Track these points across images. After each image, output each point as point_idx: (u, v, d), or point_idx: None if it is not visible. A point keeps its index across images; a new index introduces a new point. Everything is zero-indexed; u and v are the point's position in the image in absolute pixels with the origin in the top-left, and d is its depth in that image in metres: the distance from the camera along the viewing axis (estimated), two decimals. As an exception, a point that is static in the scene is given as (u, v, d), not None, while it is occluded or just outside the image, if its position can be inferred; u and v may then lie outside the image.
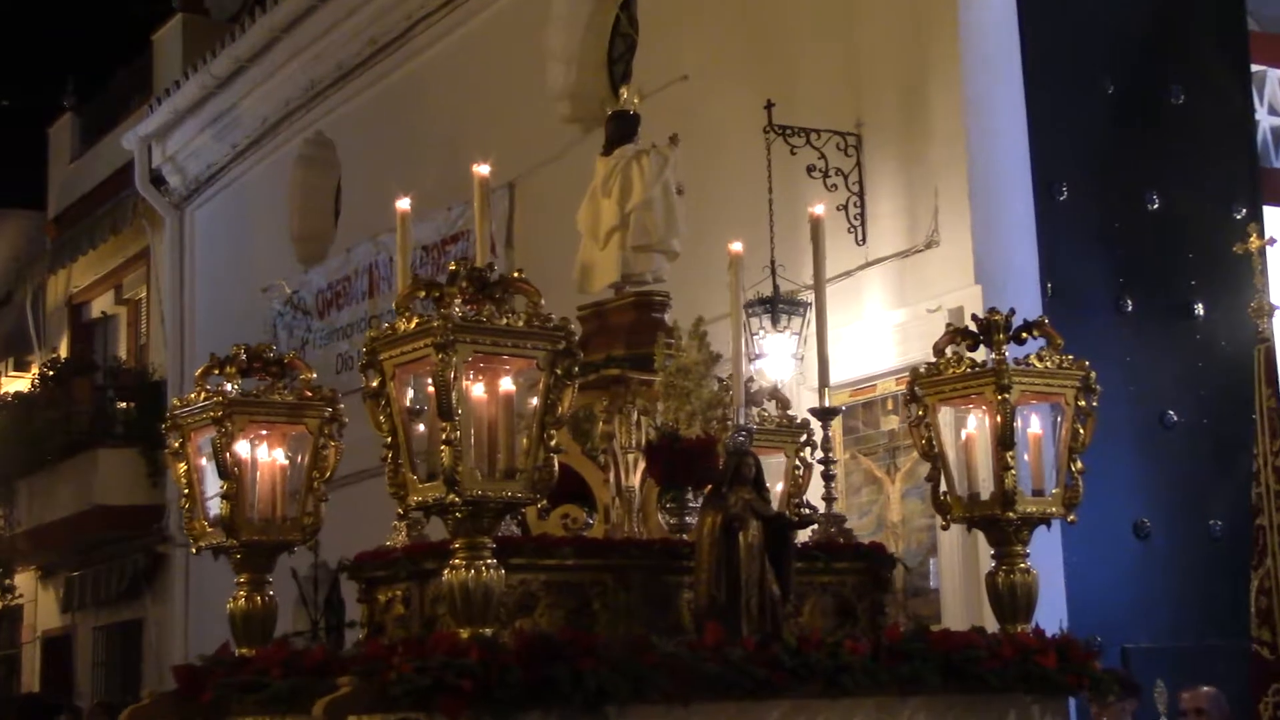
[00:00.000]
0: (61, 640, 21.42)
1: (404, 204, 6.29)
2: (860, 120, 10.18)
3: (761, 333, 9.68)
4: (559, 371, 5.15)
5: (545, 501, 5.49)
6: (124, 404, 19.39)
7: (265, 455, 6.12)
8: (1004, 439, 5.94)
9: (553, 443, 5.17)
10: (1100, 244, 9.74)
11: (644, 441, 6.35)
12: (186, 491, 6.22)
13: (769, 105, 10.05)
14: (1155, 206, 9.93)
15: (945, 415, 6.20)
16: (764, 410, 6.75)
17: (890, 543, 9.06)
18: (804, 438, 6.82)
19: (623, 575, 5.82)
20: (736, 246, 6.40)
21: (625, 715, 5.18)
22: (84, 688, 20.22)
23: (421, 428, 5.21)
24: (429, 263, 13.76)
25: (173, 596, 18.41)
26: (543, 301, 5.15)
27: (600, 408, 6.44)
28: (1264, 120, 10.77)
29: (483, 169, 6.08)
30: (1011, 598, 6.09)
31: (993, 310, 6.13)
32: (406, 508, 5.41)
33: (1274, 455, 8.28)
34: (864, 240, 10.06)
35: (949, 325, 6.51)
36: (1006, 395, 5.93)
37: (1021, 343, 6.13)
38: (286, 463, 6.15)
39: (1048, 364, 6.06)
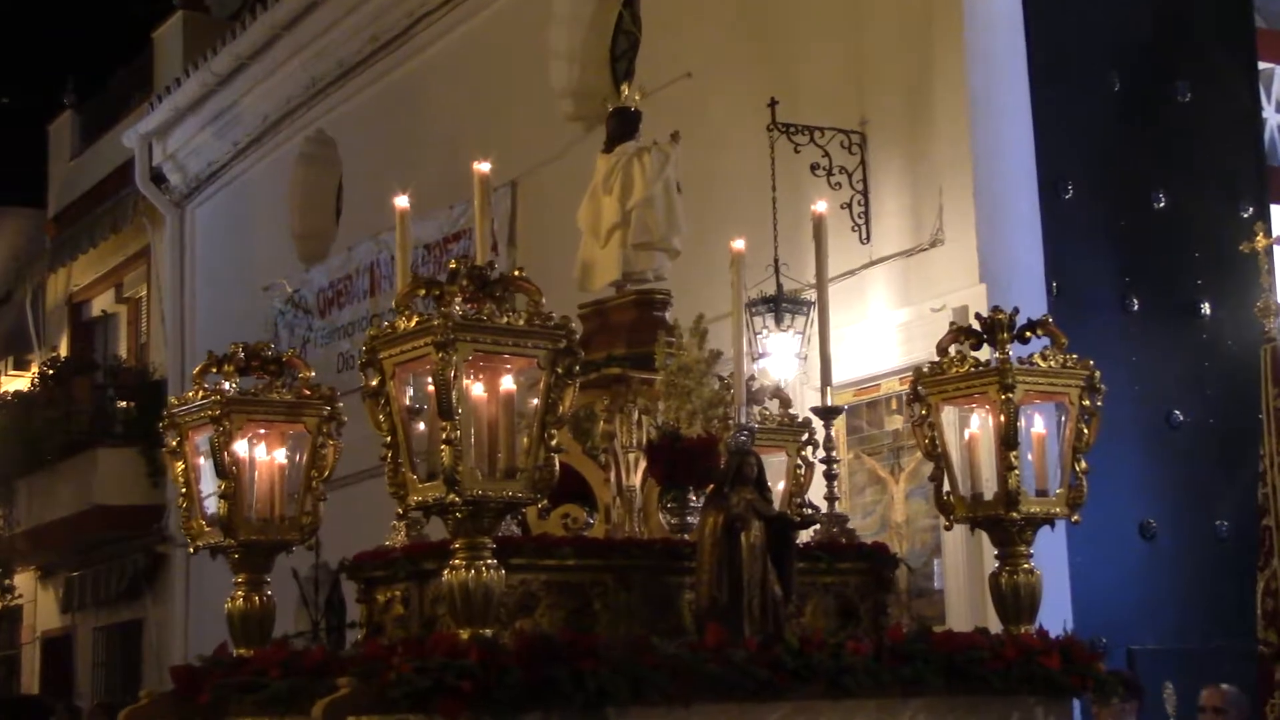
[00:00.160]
0: (61, 641, 21.41)
1: (403, 201, 6.25)
2: (864, 118, 10.15)
3: (765, 332, 9.66)
4: (560, 370, 5.12)
5: (546, 501, 5.45)
6: (124, 403, 19.38)
7: (263, 454, 6.08)
8: (1008, 439, 5.90)
9: (553, 442, 5.14)
10: (1106, 242, 9.71)
11: (645, 441, 6.32)
12: (184, 491, 6.18)
13: (773, 103, 10.02)
14: (1161, 205, 9.90)
15: (949, 415, 6.16)
16: (765, 409, 6.71)
17: (894, 543, 9.02)
18: (805, 437, 6.78)
19: (624, 576, 5.79)
20: (739, 244, 6.36)
21: (626, 716, 5.15)
22: (84, 688, 20.21)
23: (421, 427, 5.17)
24: (430, 261, 13.74)
25: (173, 597, 18.39)
26: (544, 300, 5.11)
27: (601, 407, 6.41)
28: (1271, 118, 10.74)
29: (483, 166, 6.05)
30: (1015, 598, 6.05)
31: (996, 309, 6.09)
32: (406, 507, 5.37)
33: (1280, 455, 8.25)
34: (868, 239, 10.03)
35: (953, 324, 6.47)
36: (1010, 395, 5.89)
37: (1025, 342, 6.09)
38: (285, 462, 6.11)
39: (1052, 363, 6.02)
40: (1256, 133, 10.46)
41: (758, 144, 10.14)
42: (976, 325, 6.13)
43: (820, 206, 6.72)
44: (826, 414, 6.49)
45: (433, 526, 5.82)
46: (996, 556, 6.15)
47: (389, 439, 5.19)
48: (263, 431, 6.08)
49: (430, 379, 5.01)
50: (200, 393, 6.03)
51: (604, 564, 5.77)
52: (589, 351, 6.00)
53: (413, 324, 5.06)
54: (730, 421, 6.06)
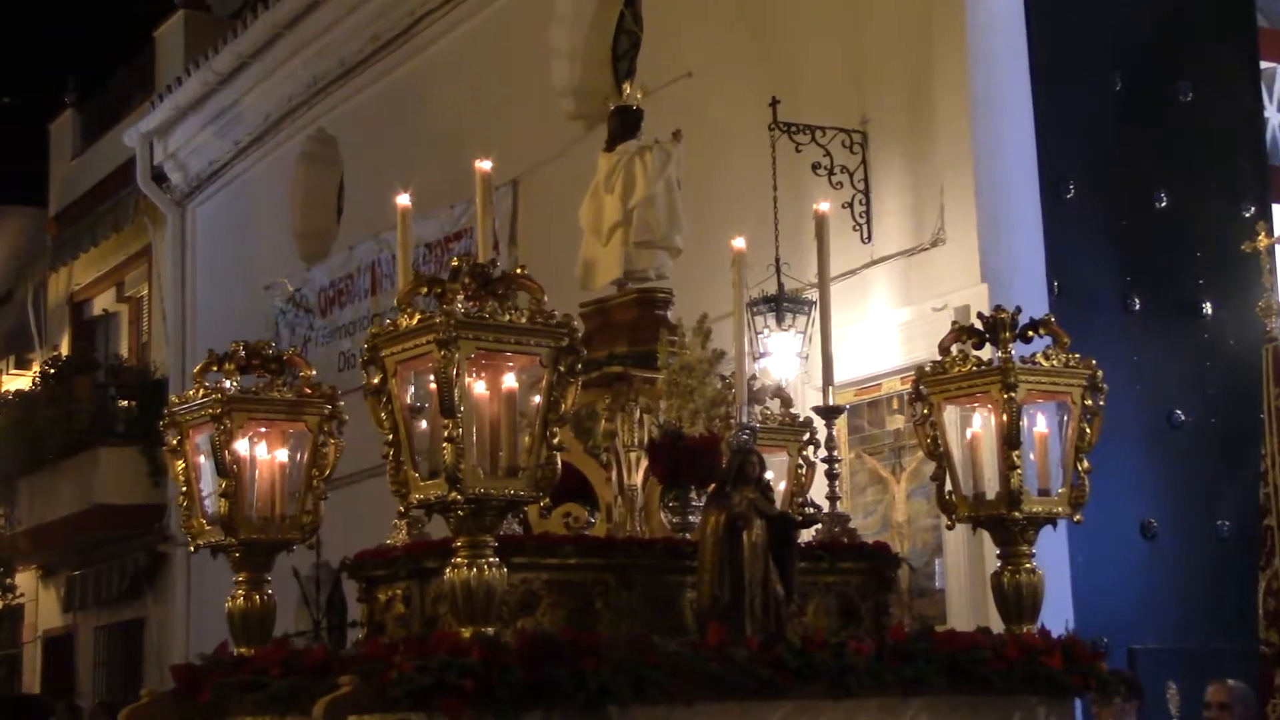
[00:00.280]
0: (62, 640, 21.41)
1: (404, 199, 6.24)
2: (865, 117, 10.15)
3: (766, 331, 9.65)
4: (562, 368, 5.11)
5: (547, 500, 5.44)
6: (125, 402, 19.37)
7: (264, 453, 6.07)
8: (1010, 438, 5.88)
9: (555, 440, 5.13)
10: (1107, 242, 9.70)
11: (647, 439, 6.31)
12: (185, 489, 6.17)
13: (774, 102, 10.01)
14: (1163, 205, 9.89)
15: (951, 414, 6.15)
16: (767, 409, 6.70)
17: (895, 543, 9.02)
18: (807, 436, 6.77)
19: (625, 575, 5.78)
20: (739, 243, 6.35)
21: (627, 715, 5.14)
22: (85, 687, 20.20)
23: (423, 425, 5.16)
24: (432, 260, 13.73)
25: (174, 596, 18.38)
26: (546, 298, 5.10)
27: (603, 405, 6.40)
28: (1273, 118, 10.73)
29: (485, 164, 6.04)
30: (1017, 598, 6.04)
31: (998, 308, 6.08)
32: (408, 505, 5.36)
33: (1283, 455, 8.25)
34: (869, 238, 10.02)
35: (955, 323, 6.46)
36: (1013, 394, 5.88)
37: (1028, 341, 6.08)
38: (286, 460, 6.10)
39: (1054, 362, 6.01)
40: (1258, 132, 10.45)
41: (759, 143, 10.13)
42: (979, 324, 6.12)
43: (823, 206, 6.71)
44: (828, 413, 6.49)
45: (434, 526, 5.82)
46: (999, 556, 6.14)
47: (391, 437, 5.18)
48: (263, 430, 6.07)
49: (432, 377, 5.01)
50: (201, 391, 6.02)
51: (606, 563, 5.77)
52: (590, 350, 5.99)
53: (415, 322, 5.05)
54: (732, 421, 6.05)
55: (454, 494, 4.99)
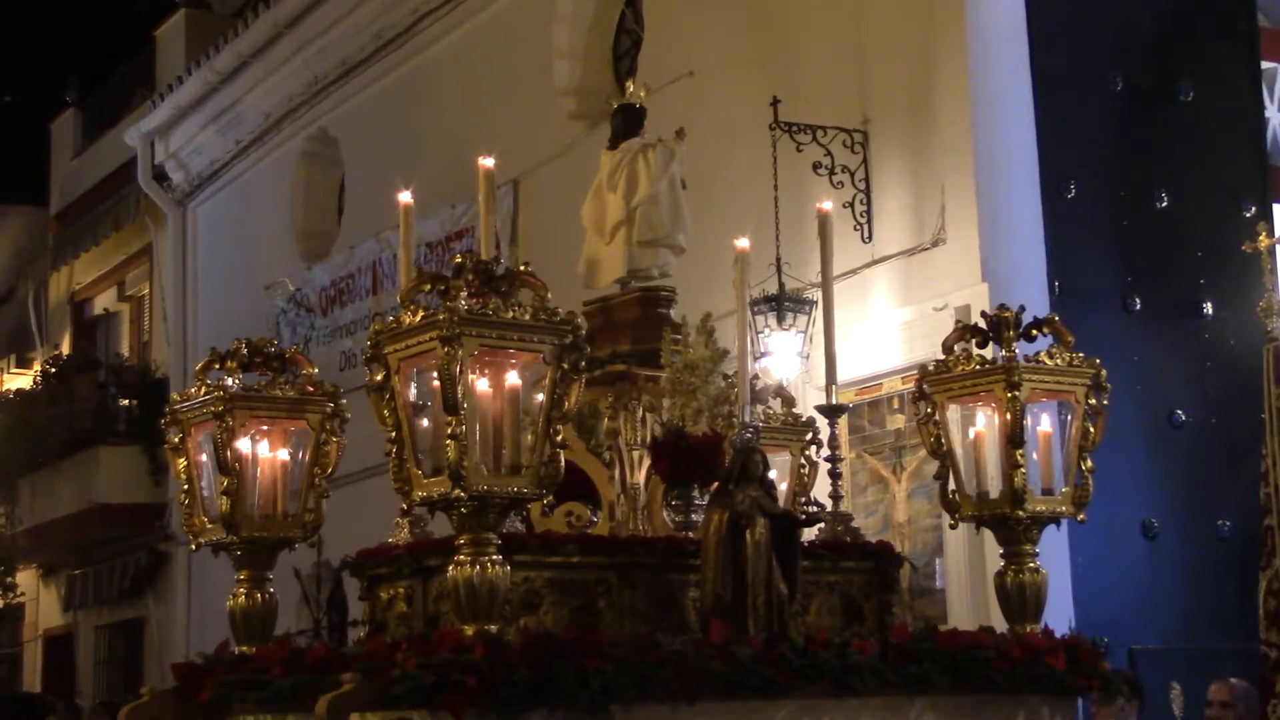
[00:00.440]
0: (63, 639, 21.39)
1: (405, 196, 6.23)
2: (866, 117, 10.15)
3: (767, 331, 9.64)
4: (565, 366, 5.10)
5: (550, 498, 5.44)
6: (126, 401, 19.35)
7: (266, 451, 6.07)
8: (1014, 437, 5.87)
9: (558, 438, 5.12)
10: (1108, 242, 9.70)
11: (649, 438, 6.30)
12: (186, 487, 6.16)
13: (775, 102, 10.02)
14: (1164, 204, 9.89)
15: (954, 413, 6.14)
16: (769, 408, 6.70)
17: (896, 542, 9.01)
18: (809, 436, 6.77)
19: (628, 573, 5.77)
20: (743, 243, 6.35)
21: (630, 714, 5.14)
22: (86, 687, 20.18)
23: (426, 422, 5.15)
24: (432, 259, 13.73)
25: (175, 595, 18.38)
26: (549, 295, 5.10)
27: (605, 404, 6.39)
28: (1274, 118, 10.71)
29: (488, 161, 6.04)
30: (1020, 598, 6.02)
31: (1002, 307, 6.07)
32: (411, 503, 5.36)
33: (1283, 455, 8.25)
34: (870, 238, 10.02)
35: (958, 322, 6.45)
36: (1017, 393, 5.87)
37: (1031, 340, 6.07)
38: (287, 459, 6.10)
39: (1058, 361, 6.00)
40: (1259, 132, 10.45)
41: (760, 143, 10.13)
42: (982, 323, 6.11)
43: (826, 205, 6.71)
44: (831, 412, 6.47)
45: (434, 525, 5.82)
46: (1002, 555, 6.12)
47: (394, 434, 5.17)
48: (265, 428, 6.06)
49: (435, 374, 5.00)
50: (203, 389, 6.01)
51: (608, 561, 5.76)
52: (593, 348, 5.97)
53: (418, 318, 5.04)
54: (735, 419, 6.05)
55: (457, 491, 4.98)
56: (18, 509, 20.46)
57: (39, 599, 22.26)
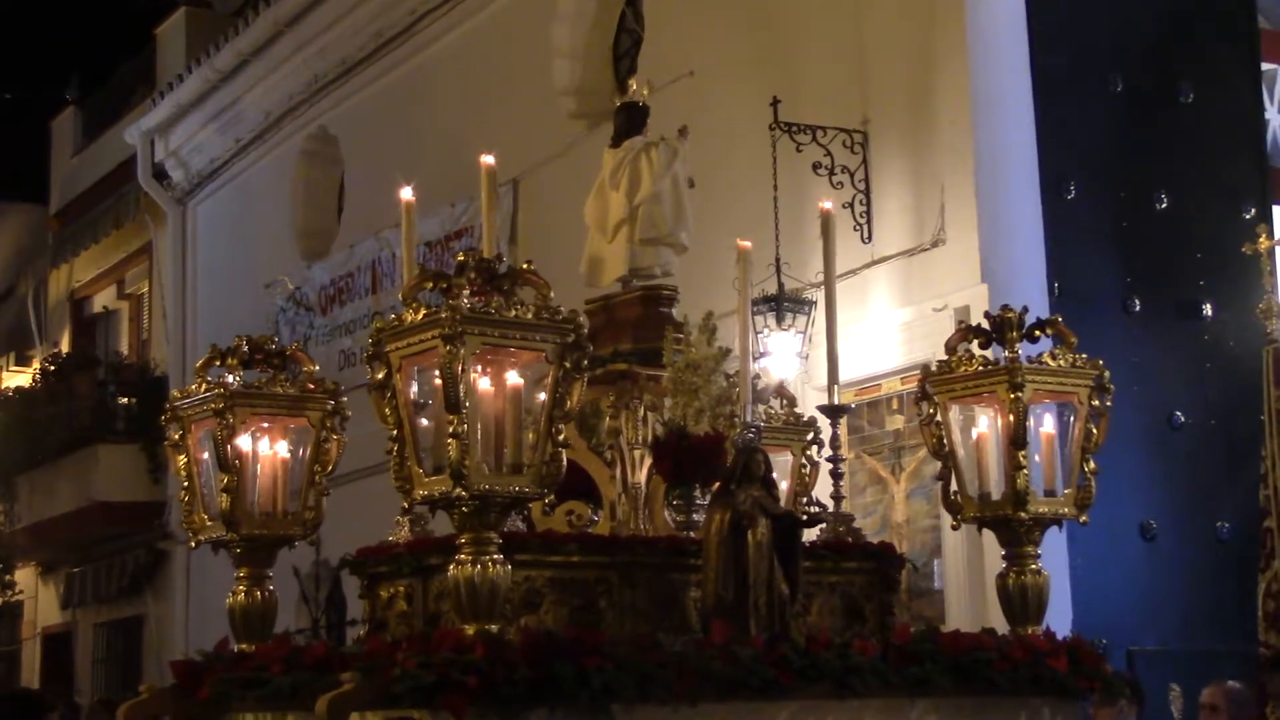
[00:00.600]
0: (62, 637, 21.39)
1: (407, 193, 6.22)
2: (866, 117, 10.15)
3: (766, 331, 9.64)
4: (568, 365, 5.09)
5: (551, 497, 5.43)
6: (125, 400, 19.34)
7: (266, 448, 6.06)
8: (1017, 438, 5.86)
9: (560, 437, 5.11)
10: (1108, 243, 9.71)
11: (651, 437, 6.29)
12: (186, 484, 6.15)
13: (775, 102, 10.02)
14: (1164, 206, 9.89)
15: (956, 414, 6.12)
16: (770, 408, 6.69)
17: (895, 543, 8.96)
18: (810, 436, 6.76)
19: (629, 573, 5.76)
20: (745, 242, 6.35)
21: (631, 714, 5.12)
22: (84, 684, 20.18)
23: (427, 421, 5.14)
24: (432, 258, 13.72)
25: (174, 593, 18.38)
26: (552, 294, 5.09)
27: (607, 403, 6.38)
28: (1274, 119, 10.71)
29: (489, 159, 6.03)
30: (1022, 599, 6.00)
31: (1005, 308, 6.06)
32: (412, 502, 5.35)
33: (1283, 456, 8.25)
34: (870, 238, 10.02)
35: (960, 323, 6.44)
36: (1020, 394, 5.85)
37: (1035, 341, 6.06)
38: (288, 456, 6.09)
39: (1061, 362, 5.98)
40: (1259, 134, 10.45)
41: (760, 143, 10.13)
42: (985, 324, 6.10)
43: (827, 204, 6.70)
44: (833, 412, 6.45)
45: (435, 523, 5.81)
46: (1004, 557, 6.11)
47: (395, 432, 5.16)
48: (266, 425, 6.05)
49: (437, 372, 4.99)
50: (204, 386, 6.00)
51: (609, 561, 5.75)
52: (595, 347, 5.96)
53: (420, 316, 5.03)
54: (737, 419, 6.04)
55: (458, 490, 4.97)
56: (17, 506, 20.46)
57: (38, 597, 22.25)
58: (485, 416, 5.04)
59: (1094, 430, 6.02)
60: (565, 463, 5.17)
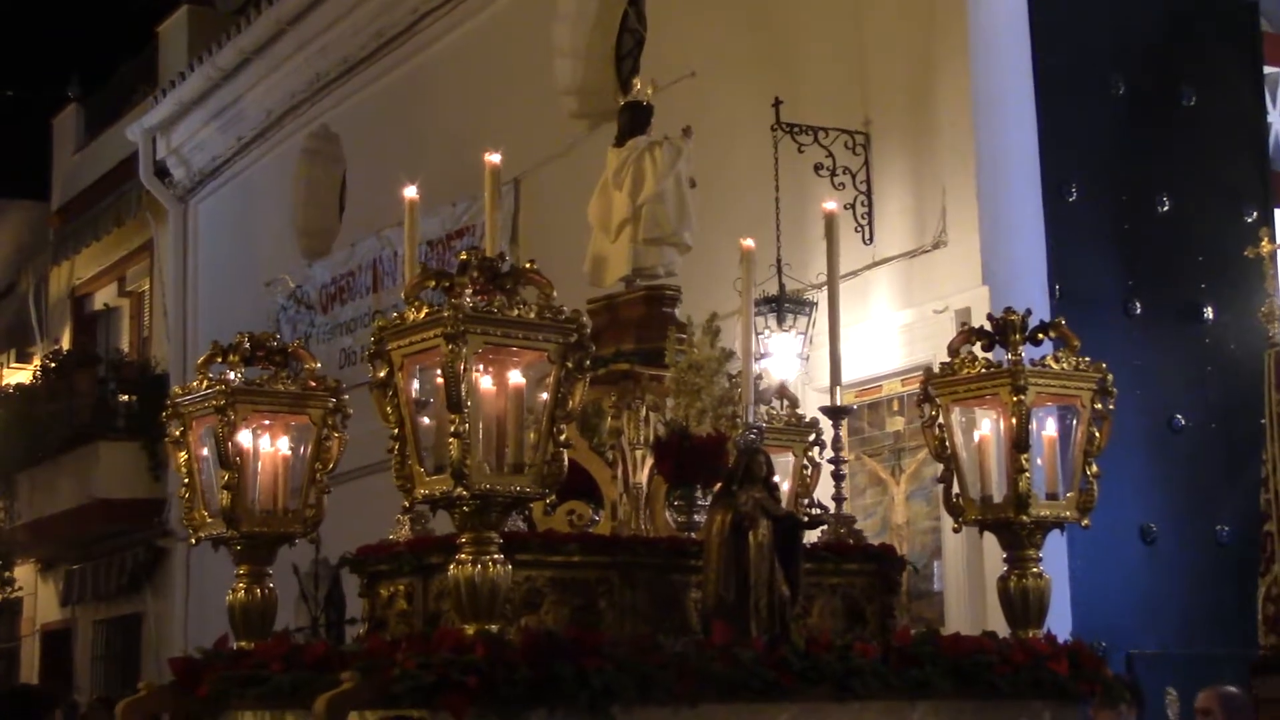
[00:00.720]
0: (61, 634, 21.39)
1: (411, 192, 6.22)
2: (868, 119, 10.14)
3: (767, 332, 9.63)
4: (570, 364, 5.08)
5: (553, 497, 5.43)
6: (126, 397, 19.35)
7: (267, 445, 6.05)
8: (1019, 441, 5.85)
9: (562, 437, 5.10)
10: (1109, 246, 9.70)
11: (653, 437, 6.28)
12: (187, 481, 6.14)
13: (776, 103, 10.01)
14: (1165, 209, 9.89)
15: (958, 416, 6.11)
16: (772, 408, 6.68)
17: (895, 545, 8.98)
18: (812, 437, 6.76)
19: (629, 573, 5.75)
20: (749, 242, 6.34)
21: (631, 715, 5.11)
22: (83, 682, 20.18)
23: (428, 420, 5.14)
24: (433, 257, 13.72)
25: (173, 591, 18.38)
26: (555, 293, 5.08)
27: (609, 403, 6.37)
28: (1276, 122, 10.70)
29: (494, 157, 6.02)
30: (1023, 602, 5.99)
31: (1008, 310, 6.05)
32: (413, 501, 5.34)
33: (1284, 460, 8.25)
34: (871, 240, 10.01)
35: (963, 325, 6.44)
36: (1022, 397, 5.84)
37: (1038, 343, 6.06)
38: (289, 453, 6.08)
39: (1064, 365, 5.98)
40: (1261, 137, 10.44)
41: (761, 144, 10.12)
42: (988, 326, 6.09)
43: (830, 205, 6.70)
44: (836, 413, 6.44)
45: (435, 522, 5.81)
46: (1005, 560, 6.10)
47: (396, 431, 5.16)
48: (267, 422, 6.04)
49: (439, 371, 4.98)
50: (205, 382, 5.99)
51: (610, 561, 5.74)
52: (598, 347, 5.96)
53: (422, 315, 5.03)
54: (739, 420, 6.04)
55: (459, 490, 4.96)
56: (17, 504, 20.46)
57: (37, 594, 22.25)
58: (487, 416, 5.04)
59: (1096, 433, 6.01)
60: (567, 463, 5.17)
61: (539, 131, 12.89)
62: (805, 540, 5.87)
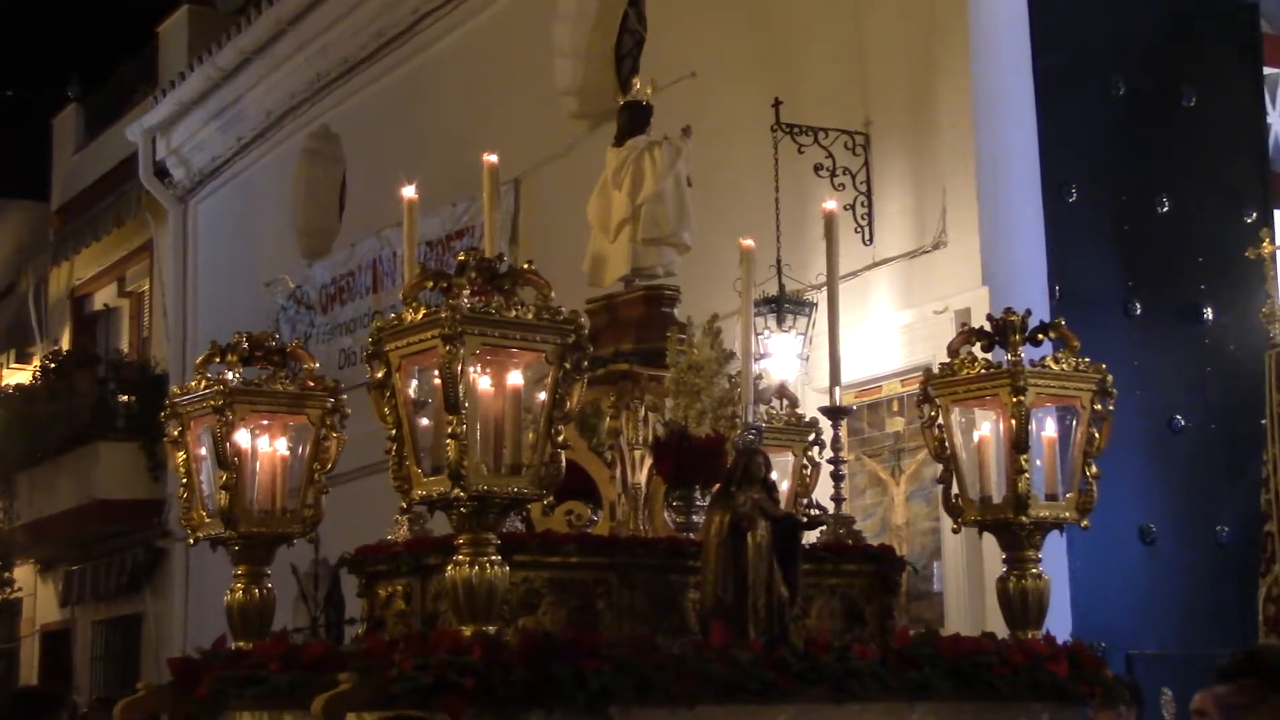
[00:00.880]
0: (60, 634, 21.38)
1: (410, 191, 6.21)
2: (868, 119, 10.13)
3: (766, 332, 9.62)
4: (568, 365, 5.08)
5: (551, 498, 5.43)
6: (125, 397, 19.34)
7: (266, 445, 6.05)
8: (1019, 442, 5.84)
9: (560, 438, 5.10)
10: (1109, 246, 9.69)
11: (651, 438, 6.28)
12: (185, 481, 6.14)
13: (776, 103, 10.00)
14: (1165, 209, 9.88)
15: (958, 416, 6.11)
16: (772, 408, 6.68)
17: (894, 545, 8.98)
18: (812, 437, 6.75)
19: (628, 574, 5.75)
20: (749, 242, 6.33)
21: (629, 716, 5.11)
22: (83, 682, 20.17)
23: (426, 421, 5.13)
24: (432, 258, 13.70)
25: (172, 591, 18.37)
26: (553, 294, 5.08)
27: (607, 403, 6.37)
28: (1276, 123, 10.69)
29: (492, 157, 6.02)
30: (1023, 603, 5.98)
31: (1009, 310, 6.04)
32: (410, 502, 5.33)
33: (1284, 461, 8.24)
34: (871, 240, 10.00)
35: (963, 325, 6.43)
36: (1022, 397, 5.84)
37: (1038, 344, 6.05)
38: (287, 454, 6.08)
39: (1064, 366, 5.97)
40: (1261, 138, 10.43)
41: (761, 144, 10.11)
42: (988, 326, 6.08)
43: (830, 204, 6.69)
44: (835, 414, 6.43)
45: (434, 522, 5.80)
46: (1004, 561, 6.09)
47: (394, 432, 5.16)
48: (265, 423, 6.05)
49: (437, 372, 4.98)
50: (203, 382, 5.99)
51: (608, 562, 5.74)
52: (596, 347, 5.95)
53: (420, 316, 5.03)
54: (738, 420, 6.03)
55: (457, 491, 4.97)
56: (16, 504, 20.46)
57: (36, 594, 22.24)
58: (485, 417, 5.04)
59: (1096, 434, 6.00)
60: (565, 463, 5.17)
61: (539, 131, 12.89)
62: (804, 541, 5.86)
